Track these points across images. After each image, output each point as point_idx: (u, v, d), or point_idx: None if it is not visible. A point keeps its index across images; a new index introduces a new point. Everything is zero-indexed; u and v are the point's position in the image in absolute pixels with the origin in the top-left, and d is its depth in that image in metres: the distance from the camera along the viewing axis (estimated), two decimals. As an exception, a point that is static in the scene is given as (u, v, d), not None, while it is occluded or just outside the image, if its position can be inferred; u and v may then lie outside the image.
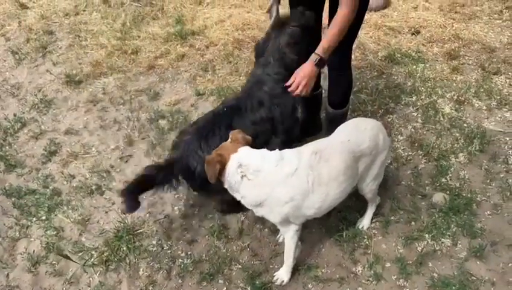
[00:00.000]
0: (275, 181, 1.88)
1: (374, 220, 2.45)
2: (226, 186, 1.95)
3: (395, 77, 3.54)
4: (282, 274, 2.22)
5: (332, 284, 2.20)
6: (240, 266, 2.31)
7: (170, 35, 4.22)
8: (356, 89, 3.35)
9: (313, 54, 2.21)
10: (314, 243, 2.38)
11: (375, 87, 3.40)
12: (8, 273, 2.35)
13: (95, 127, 3.34)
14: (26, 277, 2.34)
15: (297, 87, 2.25)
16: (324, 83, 2.91)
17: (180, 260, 2.36)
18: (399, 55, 3.76)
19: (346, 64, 2.59)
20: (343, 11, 2.13)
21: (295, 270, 2.23)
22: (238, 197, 1.97)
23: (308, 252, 2.34)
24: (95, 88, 3.74)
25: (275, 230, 2.42)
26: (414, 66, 3.62)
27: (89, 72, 3.89)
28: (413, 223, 2.43)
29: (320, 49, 2.20)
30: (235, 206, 2.21)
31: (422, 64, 3.63)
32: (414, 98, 3.31)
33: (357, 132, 2.08)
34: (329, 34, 2.18)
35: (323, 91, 2.95)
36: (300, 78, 2.24)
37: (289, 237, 2.09)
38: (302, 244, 2.28)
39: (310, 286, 2.20)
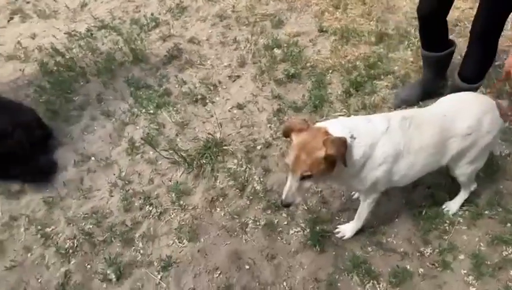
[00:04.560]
0: (374, 137, 1.75)
1: (463, 208, 2.20)
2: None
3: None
4: (346, 229, 2.18)
5: (393, 256, 2.09)
6: (306, 208, 2.31)
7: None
8: (499, 63, 2.88)
9: None
10: (388, 211, 2.26)
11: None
12: (111, 149, 2.70)
13: (215, 41, 3.47)
14: (123, 157, 2.66)
15: None
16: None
17: (253, 184, 2.45)
18: None
19: (493, 33, 2.21)
20: None
21: (359, 230, 2.16)
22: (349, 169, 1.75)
23: (380, 217, 2.22)
24: (226, 4, 3.83)
25: (352, 185, 2.34)
26: None
27: (222, -12, 3.98)
28: (509, 224, 2.13)
29: None
30: None
31: None
32: None
33: (457, 108, 1.84)
34: None
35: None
36: None
37: (367, 202, 2.01)
38: (376, 208, 2.16)
39: (369, 249, 2.12)
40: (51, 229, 2.28)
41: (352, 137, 1.71)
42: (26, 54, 3.42)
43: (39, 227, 2.27)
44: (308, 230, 2.21)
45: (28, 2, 4.05)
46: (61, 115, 2.89)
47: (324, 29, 3.43)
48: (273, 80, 3.06)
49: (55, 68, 3.25)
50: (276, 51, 3.28)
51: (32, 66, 3.30)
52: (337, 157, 1.62)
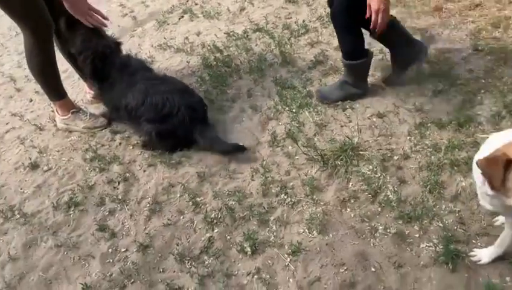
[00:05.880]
0: None
1: None
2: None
3: None
4: (484, 254, 2.08)
5: (536, 292, 1.95)
6: (441, 225, 2.27)
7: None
8: None
9: None
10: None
11: None
12: (256, 139, 2.97)
13: (361, 50, 3.55)
14: (265, 147, 2.89)
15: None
16: None
17: (387, 192, 2.48)
18: None
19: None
20: None
21: (498, 257, 2.05)
22: None
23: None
24: (375, 16, 3.89)
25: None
26: None
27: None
28: None
29: None
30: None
31: None
32: None
33: None
34: None
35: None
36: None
37: None
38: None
39: (507, 278, 2.01)
40: (200, 199, 2.61)
41: None
42: (192, 48, 3.92)
43: (191, 196, 2.62)
44: (441, 247, 2.17)
45: (196, 4, 4.63)
46: (216, 104, 3.27)
47: (479, 48, 3.29)
48: (418, 93, 3.04)
49: (214, 63, 3.67)
50: (425, 66, 3.24)
51: (195, 59, 3.78)
52: None
